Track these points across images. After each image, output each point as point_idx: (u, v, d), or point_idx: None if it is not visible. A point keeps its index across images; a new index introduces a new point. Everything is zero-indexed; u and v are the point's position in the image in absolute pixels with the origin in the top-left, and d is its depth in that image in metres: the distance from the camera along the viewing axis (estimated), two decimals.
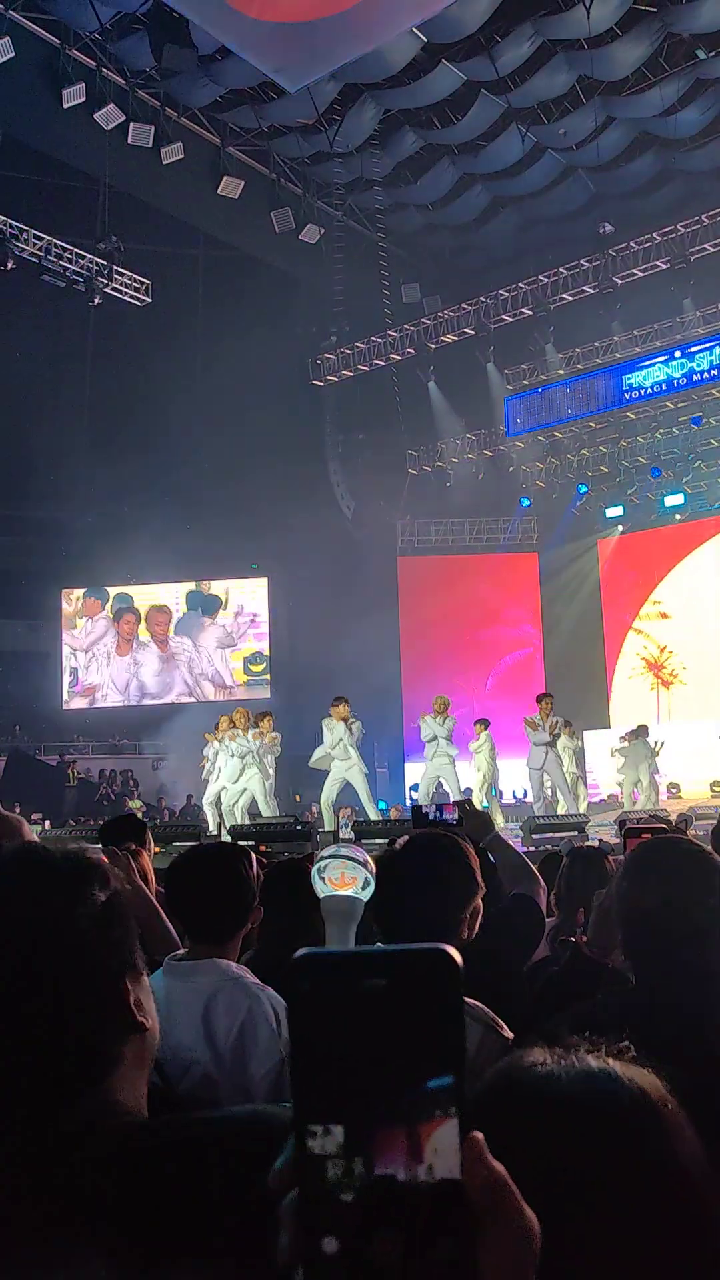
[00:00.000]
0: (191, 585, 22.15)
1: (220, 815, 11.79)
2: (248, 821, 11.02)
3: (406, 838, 2.22)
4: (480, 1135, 0.55)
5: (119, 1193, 0.78)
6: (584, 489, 20.38)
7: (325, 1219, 0.53)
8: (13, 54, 14.02)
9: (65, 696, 22.08)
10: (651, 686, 19.77)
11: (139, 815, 16.01)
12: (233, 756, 11.71)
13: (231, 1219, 0.75)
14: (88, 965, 0.86)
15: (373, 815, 11.67)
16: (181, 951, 2.34)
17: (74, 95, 14.96)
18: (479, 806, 4.49)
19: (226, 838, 9.03)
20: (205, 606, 22.17)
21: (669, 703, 19.41)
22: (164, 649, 22.05)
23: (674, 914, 1.57)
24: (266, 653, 21.89)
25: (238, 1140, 0.83)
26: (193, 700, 21.29)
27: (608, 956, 1.98)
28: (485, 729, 14.06)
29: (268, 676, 21.77)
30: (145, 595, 22.27)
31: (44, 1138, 0.81)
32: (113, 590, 22.19)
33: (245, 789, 11.69)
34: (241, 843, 5.38)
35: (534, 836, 8.89)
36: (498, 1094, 0.79)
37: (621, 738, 15.62)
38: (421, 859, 2.05)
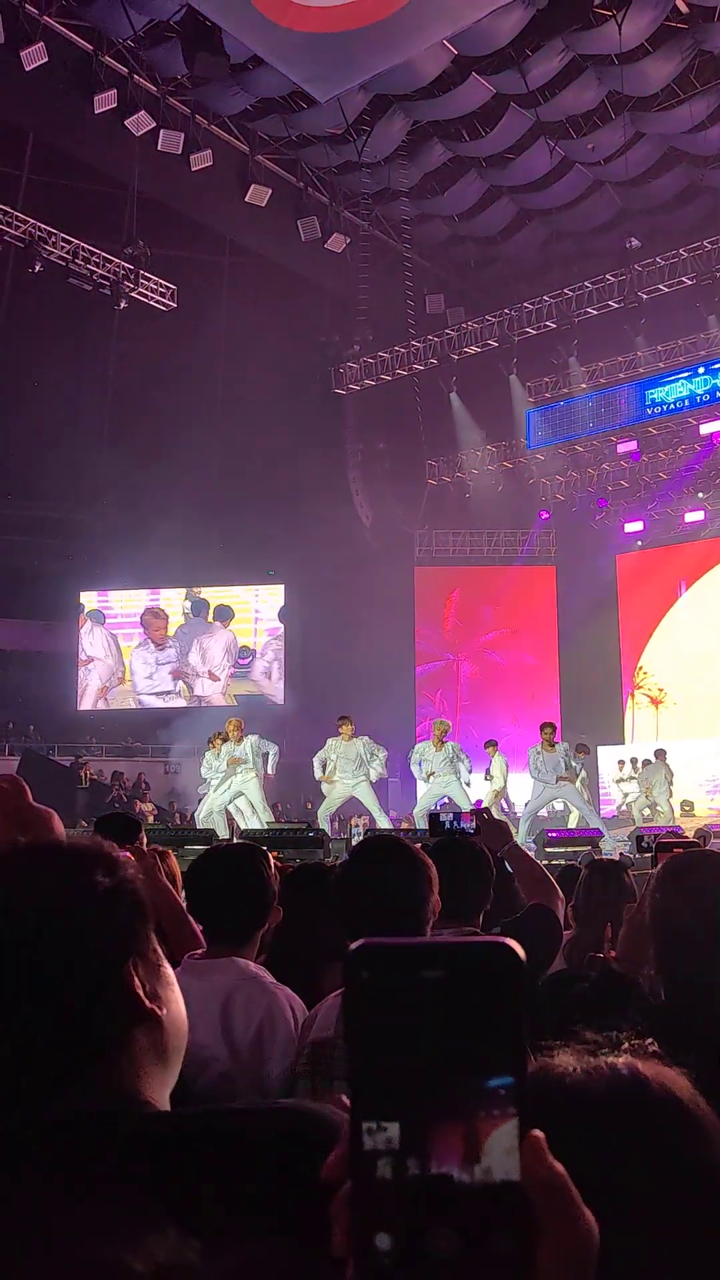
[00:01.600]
0: (200, 591, 22.17)
1: (229, 821, 11.76)
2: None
3: (360, 842, 2.28)
4: (541, 1134, 0.53)
5: (159, 1174, 0.77)
6: (604, 503, 20.36)
7: (379, 1215, 0.52)
8: (45, 59, 14.14)
9: (79, 697, 22.13)
10: (630, 706, 19.80)
11: (150, 818, 16.04)
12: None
13: (278, 1207, 0.74)
14: (84, 947, 0.86)
15: (384, 825, 11.69)
16: (200, 951, 2.35)
17: (105, 101, 15.06)
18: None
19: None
20: (218, 615, 22.16)
21: (658, 722, 19.41)
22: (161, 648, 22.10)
23: (708, 927, 1.56)
24: (250, 646, 21.95)
25: (273, 1130, 0.82)
26: (208, 704, 21.29)
27: (639, 972, 1.96)
28: (495, 749, 14.10)
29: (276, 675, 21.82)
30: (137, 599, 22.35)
31: (43, 1119, 0.81)
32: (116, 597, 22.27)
33: (240, 794, 11.67)
34: None
35: (547, 850, 8.85)
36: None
37: (642, 762, 15.66)
38: (369, 863, 2.10)
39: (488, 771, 14.19)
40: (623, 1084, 0.80)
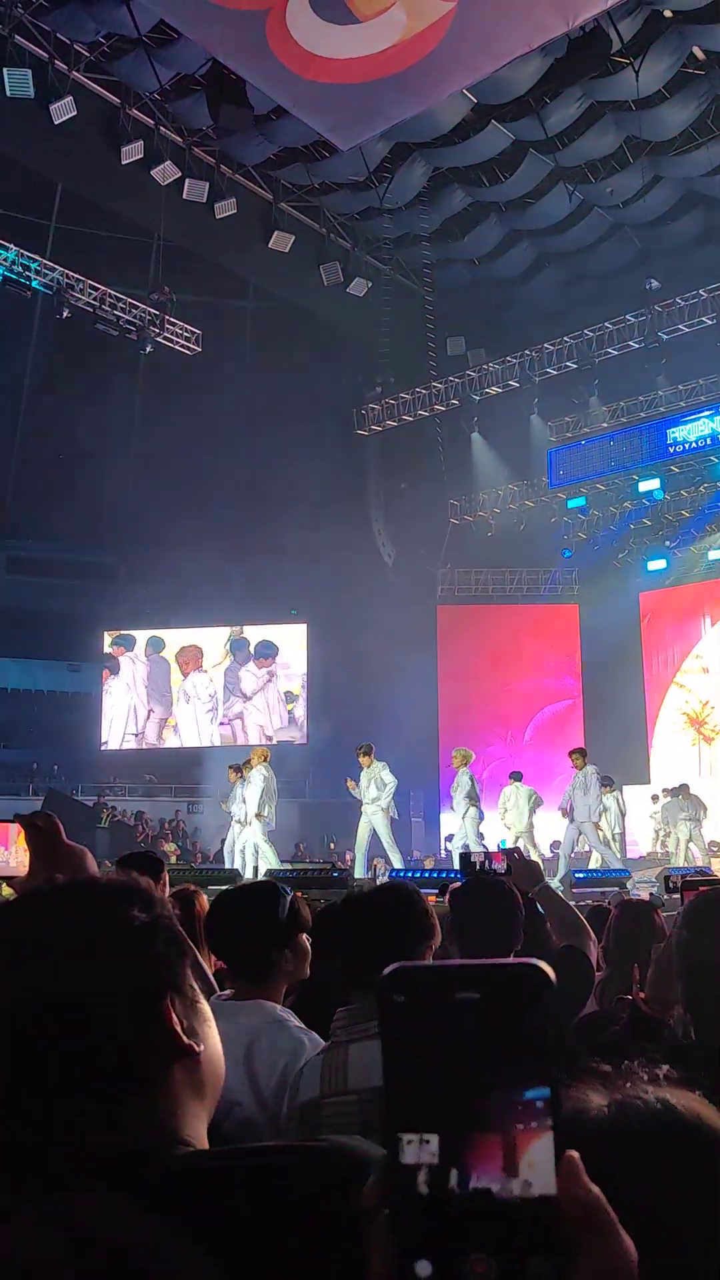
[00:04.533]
0: (232, 630, 22.16)
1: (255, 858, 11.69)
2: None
3: (360, 888, 2.31)
4: (577, 1154, 0.53)
5: (198, 1211, 0.76)
6: (627, 541, 20.35)
7: (419, 1236, 0.52)
8: (74, 113, 14.52)
9: (104, 737, 22.17)
10: (693, 742, 19.50)
11: (173, 858, 16.01)
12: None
13: (318, 1241, 0.74)
14: (121, 984, 0.86)
15: (396, 863, 11.66)
16: (228, 991, 2.34)
17: (132, 152, 15.43)
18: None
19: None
20: (260, 652, 22.09)
21: (711, 759, 19.11)
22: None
23: None
24: (295, 691, 21.90)
25: (312, 1165, 0.82)
26: (232, 743, 21.28)
27: (668, 1013, 1.93)
28: (517, 781, 13.98)
29: (300, 714, 21.77)
30: (182, 638, 22.37)
31: (83, 1155, 0.81)
32: (142, 635, 22.24)
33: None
34: None
35: (575, 890, 8.75)
36: None
37: (665, 791, 15.51)
38: (372, 910, 2.15)
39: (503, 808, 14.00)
40: (656, 1116, 0.79)
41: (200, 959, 2.57)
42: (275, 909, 2.36)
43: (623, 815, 14.14)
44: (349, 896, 2.24)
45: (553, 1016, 0.55)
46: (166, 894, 3.00)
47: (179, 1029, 0.88)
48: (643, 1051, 1.73)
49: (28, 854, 1.59)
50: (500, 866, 2.83)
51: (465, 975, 0.55)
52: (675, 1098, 0.80)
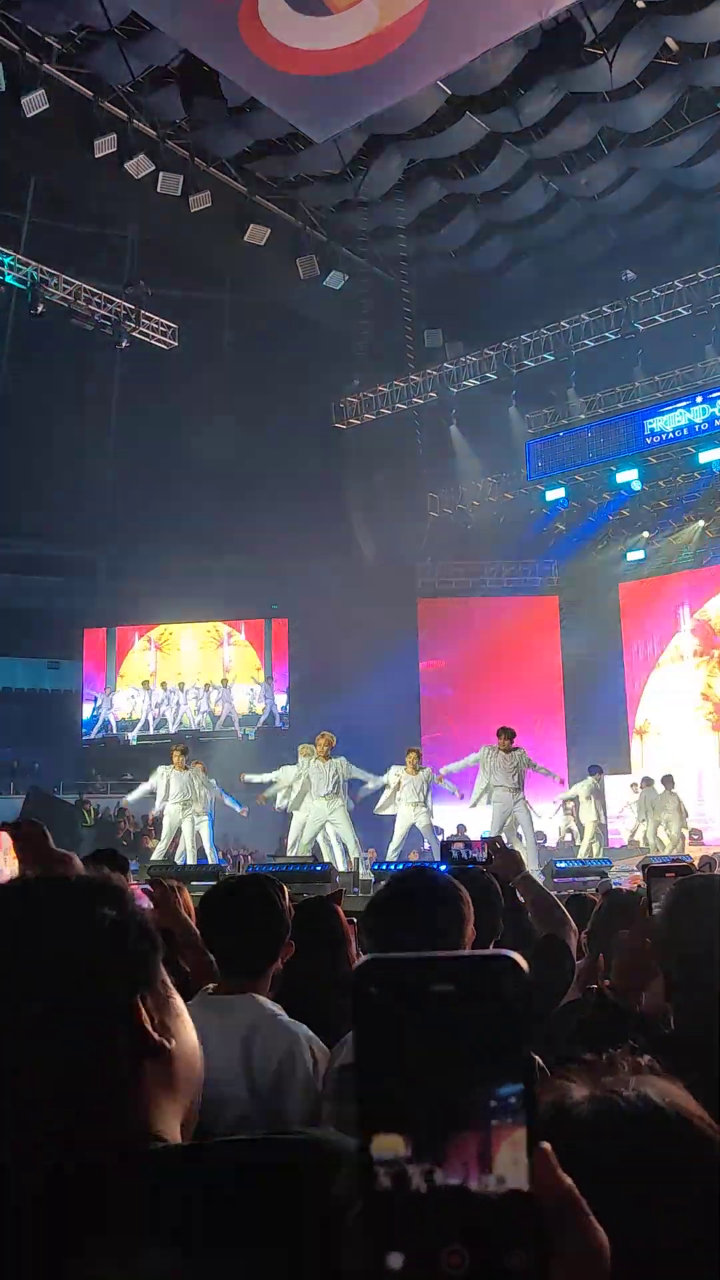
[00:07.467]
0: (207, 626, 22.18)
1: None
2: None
3: (399, 875, 2.25)
4: (549, 1146, 0.53)
5: (164, 1207, 0.77)
6: (606, 533, 20.43)
7: (391, 1231, 0.52)
8: (46, 106, 14.37)
9: (86, 734, 22.08)
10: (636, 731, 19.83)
11: (155, 855, 15.99)
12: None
13: (284, 1232, 0.74)
14: (91, 981, 0.86)
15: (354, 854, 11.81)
16: (213, 986, 2.32)
17: (105, 146, 15.29)
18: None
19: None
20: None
21: (644, 752, 19.36)
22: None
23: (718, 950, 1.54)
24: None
25: (279, 1157, 0.82)
26: (211, 737, 21.25)
27: (636, 1000, 1.93)
28: None
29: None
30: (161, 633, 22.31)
31: (54, 1153, 0.81)
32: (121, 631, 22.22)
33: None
34: None
35: (555, 880, 8.80)
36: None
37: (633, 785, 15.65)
38: (414, 900, 2.07)
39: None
40: (634, 1113, 0.79)
41: (201, 949, 2.57)
42: (275, 905, 2.34)
43: (604, 805, 14.27)
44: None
45: (527, 1010, 0.54)
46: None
47: (149, 1026, 0.88)
48: (619, 1039, 1.75)
49: (15, 860, 1.59)
50: (480, 855, 2.84)
51: (440, 967, 0.55)
52: (655, 1090, 0.81)
